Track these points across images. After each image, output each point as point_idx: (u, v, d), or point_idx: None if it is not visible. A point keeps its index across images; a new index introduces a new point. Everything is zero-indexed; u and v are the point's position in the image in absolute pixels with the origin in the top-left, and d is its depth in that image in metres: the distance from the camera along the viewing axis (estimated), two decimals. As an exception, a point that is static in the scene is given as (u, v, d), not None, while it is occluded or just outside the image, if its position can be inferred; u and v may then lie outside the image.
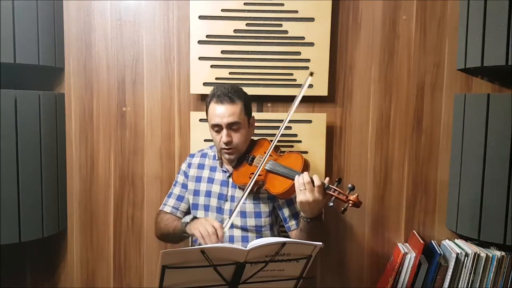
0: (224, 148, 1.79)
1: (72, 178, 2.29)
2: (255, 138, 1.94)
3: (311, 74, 1.83)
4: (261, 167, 1.74)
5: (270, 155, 1.78)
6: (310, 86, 2.16)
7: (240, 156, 1.85)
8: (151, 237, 2.29)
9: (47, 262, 2.34)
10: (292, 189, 1.67)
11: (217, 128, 1.79)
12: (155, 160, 2.28)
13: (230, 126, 1.77)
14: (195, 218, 1.78)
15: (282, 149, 1.93)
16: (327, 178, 1.64)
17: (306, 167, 1.74)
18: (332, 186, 1.62)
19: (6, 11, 1.92)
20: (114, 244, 2.32)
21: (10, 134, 1.97)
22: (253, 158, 1.83)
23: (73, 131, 2.27)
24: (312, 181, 1.60)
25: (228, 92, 1.78)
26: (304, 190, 1.59)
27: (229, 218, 1.73)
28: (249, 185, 1.71)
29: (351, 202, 1.60)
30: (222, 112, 1.76)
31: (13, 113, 1.97)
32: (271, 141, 1.82)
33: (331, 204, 1.60)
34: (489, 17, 1.95)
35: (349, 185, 1.60)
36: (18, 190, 2.00)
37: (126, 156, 2.28)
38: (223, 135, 1.77)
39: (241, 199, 1.72)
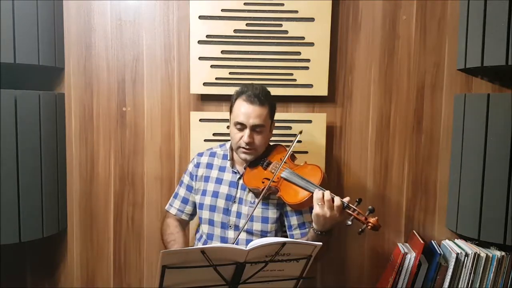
0: (243, 147, 1.78)
1: (72, 178, 2.29)
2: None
3: (300, 132, 1.87)
4: (276, 174, 1.73)
5: (285, 162, 1.77)
6: (309, 85, 2.17)
7: (255, 158, 1.83)
8: (151, 237, 2.29)
9: (47, 262, 2.34)
10: (307, 202, 1.66)
11: (240, 126, 1.76)
12: (155, 160, 2.28)
13: (254, 128, 1.76)
14: None
15: (298, 161, 1.91)
16: (347, 198, 1.63)
17: (324, 181, 1.72)
18: (352, 206, 1.61)
19: (6, 11, 1.92)
20: (114, 244, 2.32)
21: (10, 134, 1.97)
22: (269, 163, 1.82)
23: (73, 131, 2.27)
24: (333, 199, 1.60)
25: (259, 93, 1.76)
26: (323, 205, 1.59)
27: (240, 230, 1.73)
28: (263, 191, 1.70)
29: (370, 224, 1.58)
30: (249, 112, 1.74)
31: (13, 113, 1.97)
32: (287, 147, 1.82)
33: (350, 223, 1.59)
34: (489, 17, 1.95)
35: (369, 207, 1.59)
36: (18, 190, 2.00)
37: (126, 156, 2.28)
38: (245, 135, 1.75)
39: (255, 206, 1.72)
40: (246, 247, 1.35)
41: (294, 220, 1.82)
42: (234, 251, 1.35)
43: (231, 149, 1.89)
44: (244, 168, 1.85)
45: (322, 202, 1.59)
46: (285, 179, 1.75)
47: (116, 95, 2.26)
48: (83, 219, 2.31)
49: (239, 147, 1.79)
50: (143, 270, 2.33)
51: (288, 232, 1.85)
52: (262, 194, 1.71)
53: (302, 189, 1.69)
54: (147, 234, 2.31)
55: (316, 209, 1.60)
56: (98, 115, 2.27)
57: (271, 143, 1.93)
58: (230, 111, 1.83)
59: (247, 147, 1.77)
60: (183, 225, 1.99)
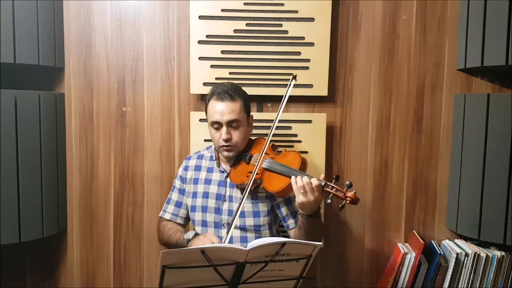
0: (223, 146, 1.79)
1: (72, 178, 2.29)
2: (253, 137, 1.94)
3: (295, 77, 1.84)
4: (258, 165, 1.74)
5: (267, 153, 1.78)
6: (309, 85, 2.17)
7: (238, 154, 1.85)
8: (151, 237, 2.29)
9: (47, 262, 2.34)
10: (290, 187, 1.67)
11: (217, 125, 1.79)
12: (155, 160, 2.28)
13: (230, 124, 1.77)
14: (197, 234, 1.80)
15: (280, 148, 1.93)
16: (322, 175, 1.65)
17: (303, 165, 1.74)
18: (330, 183, 1.63)
19: (6, 11, 1.92)
20: (114, 244, 2.32)
21: (10, 134, 1.97)
22: (251, 157, 1.83)
23: (73, 131, 2.27)
24: (310, 181, 1.61)
25: (228, 89, 1.79)
26: (305, 193, 1.60)
27: (229, 226, 1.72)
28: (248, 185, 1.71)
29: (349, 198, 1.60)
30: (222, 109, 1.76)
31: (13, 113, 1.97)
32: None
33: (329, 201, 1.61)
34: (489, 17, 1.95)
35: (347, 182, 1.61)
36: (18, 190, 2.00)
37: (126, 156, 2.28)
38: (223, 132, 1.77)
39: (242, 201, 1.71)
40: (245, 247, 1.35)
41: (285, 210, 1.84)
42: (234, 251, 1.35)
43: (216, 149, 1.90)
44: (230, 166, 1.86)
45: (303, 189, 1.60)
46: (266, 169, 1.76)
47: (116, 95, 2.26)
48: (83, 219, 2.31)
49: (220, 146, 1.81)
50: (143, 270, 2.33)
51: (283, 224, 1.86)
52: (247, 188, 1.71)
53: (283, 175, 1.71)
54: (147, 234, 2.30)
55: (300, 198, 1.61)
56: (98, 115, 2.27)
57: (253, 137, 1.93)
58: (206, 114, 1.85)
59: (227, 144, 1.79)
60: None
